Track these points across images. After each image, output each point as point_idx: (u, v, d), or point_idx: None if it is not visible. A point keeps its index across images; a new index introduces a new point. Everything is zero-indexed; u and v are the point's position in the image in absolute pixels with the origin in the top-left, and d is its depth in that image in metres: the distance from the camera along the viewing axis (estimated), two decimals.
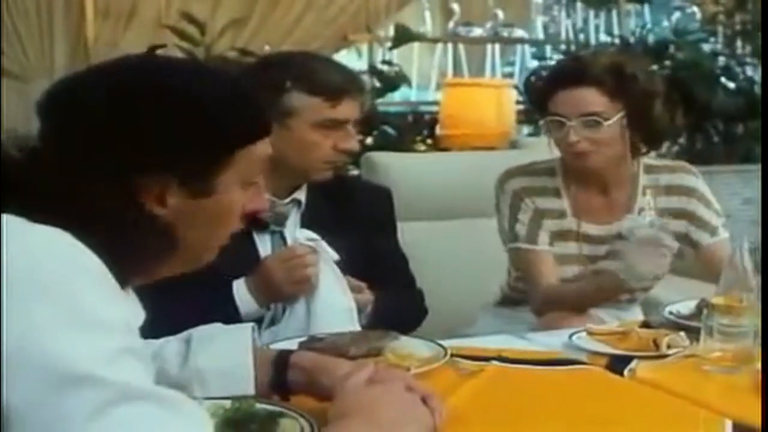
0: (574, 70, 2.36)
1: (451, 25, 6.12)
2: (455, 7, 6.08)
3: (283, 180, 2.21)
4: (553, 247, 2.46)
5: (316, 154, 2.17)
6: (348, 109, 2.16)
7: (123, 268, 1.16)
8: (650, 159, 2.48)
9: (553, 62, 5.46)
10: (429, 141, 5.30)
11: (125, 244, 1.16)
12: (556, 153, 2.44)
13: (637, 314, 2.45)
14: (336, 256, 2.11)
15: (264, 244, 2.22)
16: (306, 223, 2.25)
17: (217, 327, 1.68)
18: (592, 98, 2.30)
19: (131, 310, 1.24)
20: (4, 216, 1.10)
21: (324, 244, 2.11)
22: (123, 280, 1.17)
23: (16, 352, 1.01)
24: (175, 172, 1.22)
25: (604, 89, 2.30)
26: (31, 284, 1.03)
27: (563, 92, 2.33)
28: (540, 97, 2.42)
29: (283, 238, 2.23)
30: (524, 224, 2.46)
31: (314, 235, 2.13)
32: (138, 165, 1.19)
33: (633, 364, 1.82)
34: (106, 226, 1.15)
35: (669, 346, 1.88)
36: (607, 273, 2.33)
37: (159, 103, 1.22)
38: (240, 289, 2.10)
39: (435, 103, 5.50)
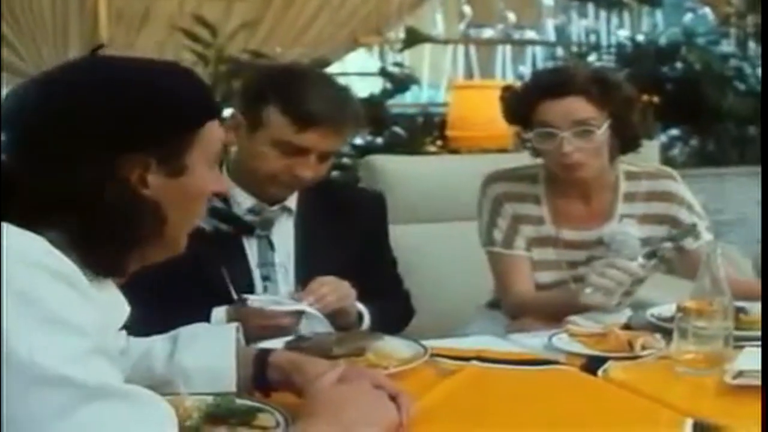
0: (559, 81, 2.37)
1: (462, 26, 6.15)
2: (466, 9, 6.12)
3: (252, 186, 2.26)
4: (530, 253, 2.51)
5: (265, 167, 2.19)
6: (314, 139, 2.15)
7: (117, 252, 1.28)
8: (630, 165, 2.51)
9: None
10: (439, 142, 5.34)
11: (119, 224, 1.27)
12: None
13: (623, 317, 2.48)
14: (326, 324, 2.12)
15: (251, 248, 2.27)
16: (298, 230, 2.31)
17: (202, 326, 1.76)
18: (581, 107, 2.33)
19: (105, 309, 1.30)
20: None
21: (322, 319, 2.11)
22: (114, 268, 1.29)
23: None
24: (152, 152, 1.30)
25: (590, 98, 2.33)
26: (8, 291, 1.10)
27: (550, 102, 2.34)
28: (521, 110, 2.43)
29: (270, 243, 2.28)
30: (501, 229, 2.51)
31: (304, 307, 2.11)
32: (118, 150, 1.28)
33: (607, 364, 1.87)
34: (99, 210, 1.25)
35: (643, 348, 1.94)
36: (572, 290, 2.38)
37: (126, 92, 1.30)
38: (218, 317, 2.13)
39: (445, 104, 5.53)
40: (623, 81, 2.44)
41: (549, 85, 2.38)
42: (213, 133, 1.38)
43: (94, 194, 1.26)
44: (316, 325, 2.10)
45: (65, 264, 1.18)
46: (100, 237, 1.25)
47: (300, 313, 2.11)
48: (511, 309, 2.51)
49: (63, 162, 1.25)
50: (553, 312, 2.32)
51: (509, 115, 2.49)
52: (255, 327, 1.99)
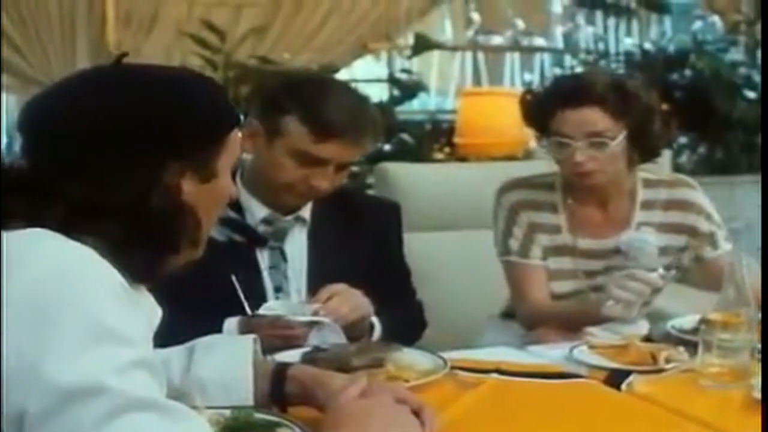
0: (576, 90, 2.33)
1: (470, 33, 6.14)
2: (475, 15, 6.10)
3: (267, 195, 2.23)
4: (547, 262, 2.47)
5: (281, 177, 2.16)
6: (332, 150, 2.12)
7: (156, 258, 1.28)
8: (649, 174, 2.48)
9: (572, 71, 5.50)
10: (447, 149, 5.32)
11: (162, 230, 1.28)
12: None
13: (642, 328, 2.45)
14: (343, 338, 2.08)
15: (264, 259, 2.24)
16: (312, 240, 2.27)
17: (219, 338, 1.73)
18: (597, 118, 2.29)
19: (147, 315, 1.32)
20: (36, 230, 1.19)
21: (336, 328, 2.08)
22: (152, 273, 1.28)
23: (37, 362, 1.08)
24: (189, 159, 1.31)
25: (607, 108, 2.29)
26: (57, 301, 1.11)
27: (567, 112, 2.31)
28: (539, 116, 2.40)
29: (283, 254, 2.25)
30: (518, 238, 2.48)
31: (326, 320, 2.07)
32: (162, 157, 1.29)
33: (631, 378, 1.84)
34: (144, 217, 1.25)
35: (667, 361, 1.90)
36: (590, 300, 2.35)
37: (166, 101, 1.31)
38: (230, 327, 2.09)
39: (453, 111, 5.51)
40: (643, 91, 2.39)
41: (566, 93, 2.35)
42: (236, 139, 1.40)
43: (140, 202, 1.25)
44: (328, 335, 2.07)
45: (113, 273, 1.18)
46: (142, 243, 1.25)
47: (313, 323, 2.07)
48: (527, 319, 2.47)
49: (107, 170, 1.25)
50: (570, 322, 2.29)
51: (528, 119, 2.47)
52: (267, 337, 1.95)
